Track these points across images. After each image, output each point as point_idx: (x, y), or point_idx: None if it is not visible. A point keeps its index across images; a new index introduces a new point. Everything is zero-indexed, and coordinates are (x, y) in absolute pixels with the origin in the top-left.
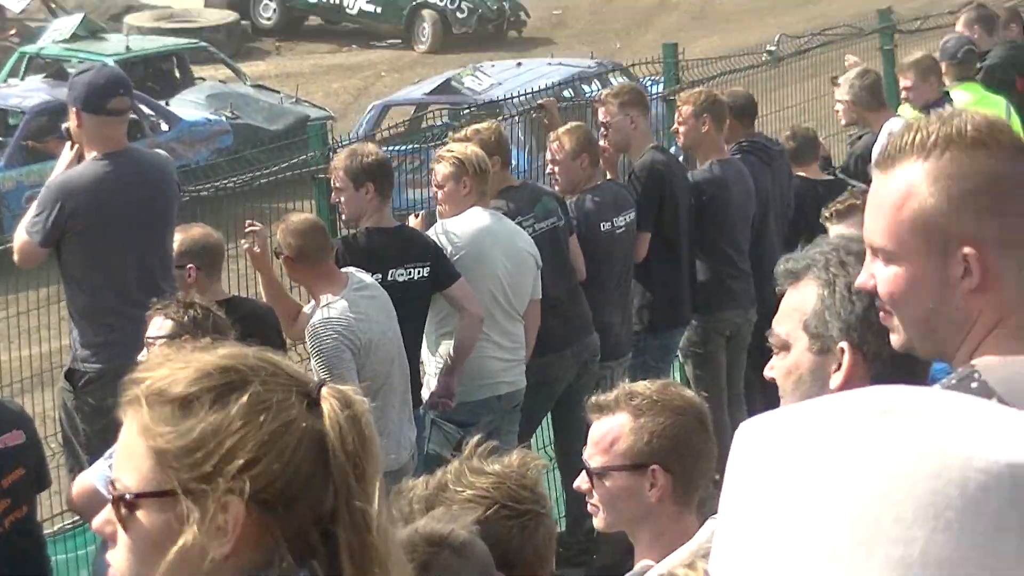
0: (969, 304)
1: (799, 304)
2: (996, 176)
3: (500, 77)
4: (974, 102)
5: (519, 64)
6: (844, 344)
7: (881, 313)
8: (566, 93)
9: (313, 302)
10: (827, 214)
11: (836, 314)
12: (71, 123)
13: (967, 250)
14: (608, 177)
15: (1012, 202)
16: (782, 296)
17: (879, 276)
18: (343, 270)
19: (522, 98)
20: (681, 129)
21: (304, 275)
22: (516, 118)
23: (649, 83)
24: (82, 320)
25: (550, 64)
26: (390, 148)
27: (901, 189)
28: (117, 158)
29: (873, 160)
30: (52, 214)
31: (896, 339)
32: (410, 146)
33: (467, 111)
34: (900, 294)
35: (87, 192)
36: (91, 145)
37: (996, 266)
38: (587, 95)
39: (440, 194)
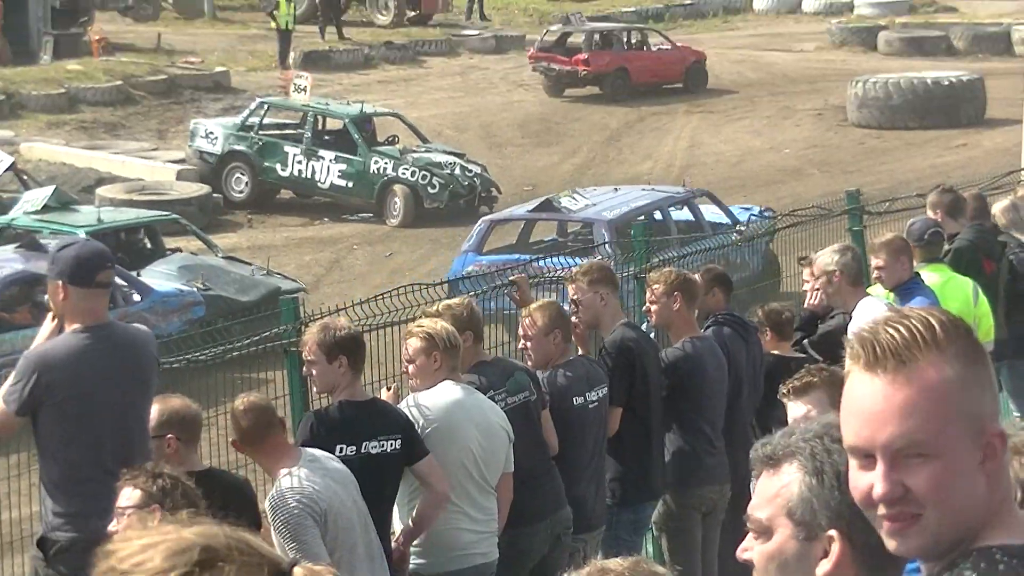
0: (989, 487)
1: (781, 490)
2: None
3: (595, 199)
4: (942, 283)
5: (616, 189)
6: (833, 532)
7: (901, 518)
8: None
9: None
10: (784, 390)
11: (825, 502)
12: (52, 296)
13: (995, 430)
14: (580, 352)
15: None
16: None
17: (917, 478)
18: (301, 447)
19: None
20: (653, 308)
21: (255, 454)
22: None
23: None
24: (56, 490)
25: (643, 189)
26: (498, 258)
27: (934, 383)
28: (98, 332)
29: (862, 360)
30: (29, 385)
31: (916, 540)
32: (516, 255)
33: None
34: (946, 490)
35: (65, 366)
36: (74, 318)
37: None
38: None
39: (411, 368)
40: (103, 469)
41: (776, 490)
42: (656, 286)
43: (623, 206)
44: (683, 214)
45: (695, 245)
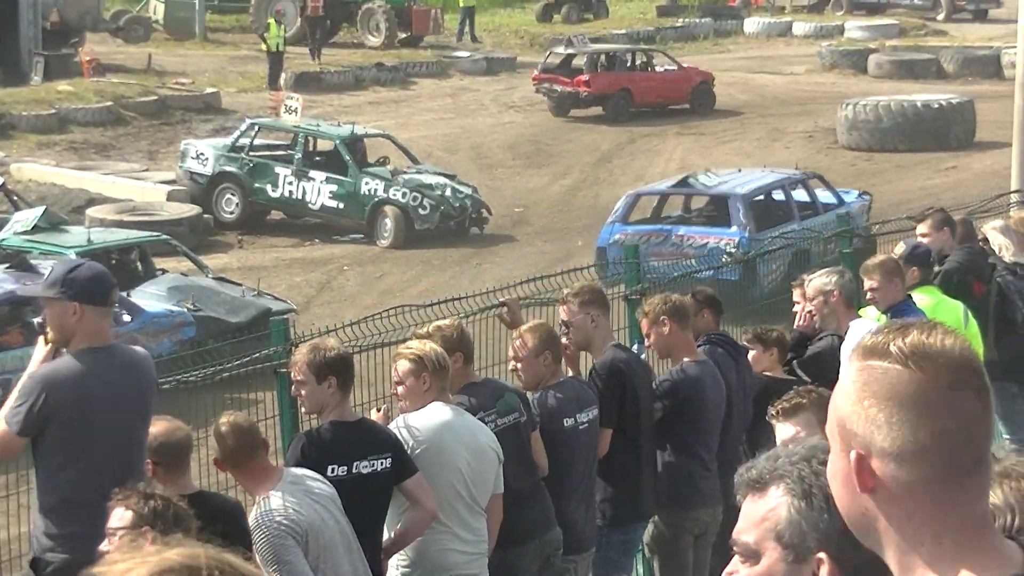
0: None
1: (769, 514)
2: None
3: (725, 178)
4: (932, 306)
5: (739, 170)
6: (823, 555)
7: None
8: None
9: None
10: (773, 412)
11: (814, 525)
12: (62, 317)
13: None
14: (570, 374)
15: None
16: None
17: None
18: (283, 468)
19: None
20: (649, 340)
21: (236, 475)
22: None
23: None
24: (52, 512)
25: (762, 170)
26: (640, 228)
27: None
28: (103, 353)
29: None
30: (35, 405)
31: None
32: (656, 226)
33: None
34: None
35: (71, 386)
36: (83, 338)
37: None
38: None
39: (400, 390)
40: (101, 492)
41: (764, 513)
42: (644, 320)
43: (753, 183)
44: (800, 195)
45: (687, 267)
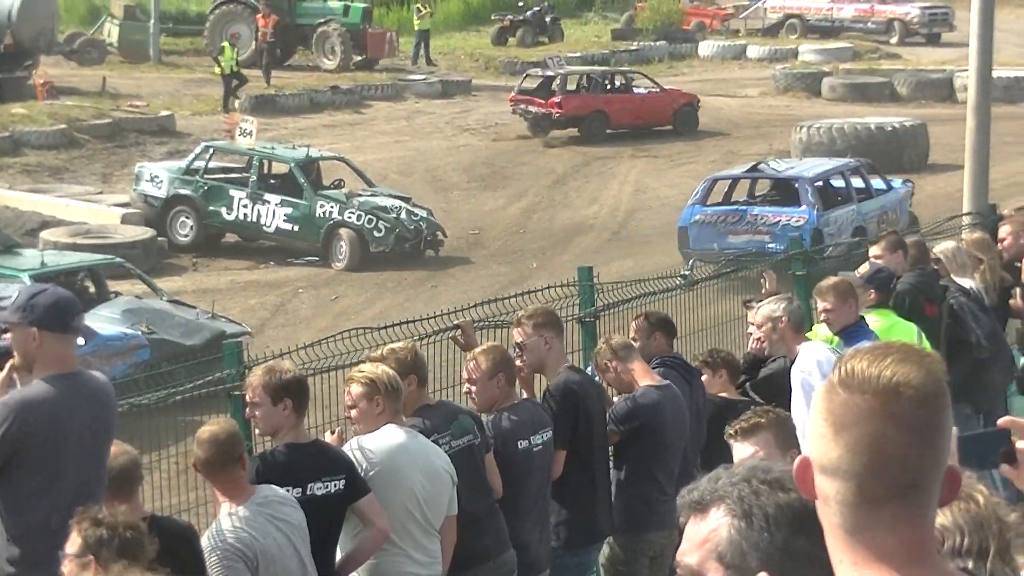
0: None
1: (710, 535)
2: None
3: (792, 164)
4: (887, 327)
5: (801, 159)
6: (764, 574)
7: None
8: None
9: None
10: (731, 431)
11: (755, 544)
12: (23, 343)
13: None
14: (524, 396)
15: None
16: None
17: None
18: (259, 485)
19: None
20: (607, 380)
21: (209, 483)
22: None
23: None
24: (17, 538)
25: (820, 159)
26: (717, 209)
27: None
28: (70, 380)
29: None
30: (6, 432)
31: None
32: (732, 207)
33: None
34: None
35: (42, 413)
36: (46, 365)
37: None
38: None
39: (354, 413)
40: (66, 519)
41: (705, 535)
42: (594, 368)
43: (816, 168)
44: (857, 182)
45: (644, 287)
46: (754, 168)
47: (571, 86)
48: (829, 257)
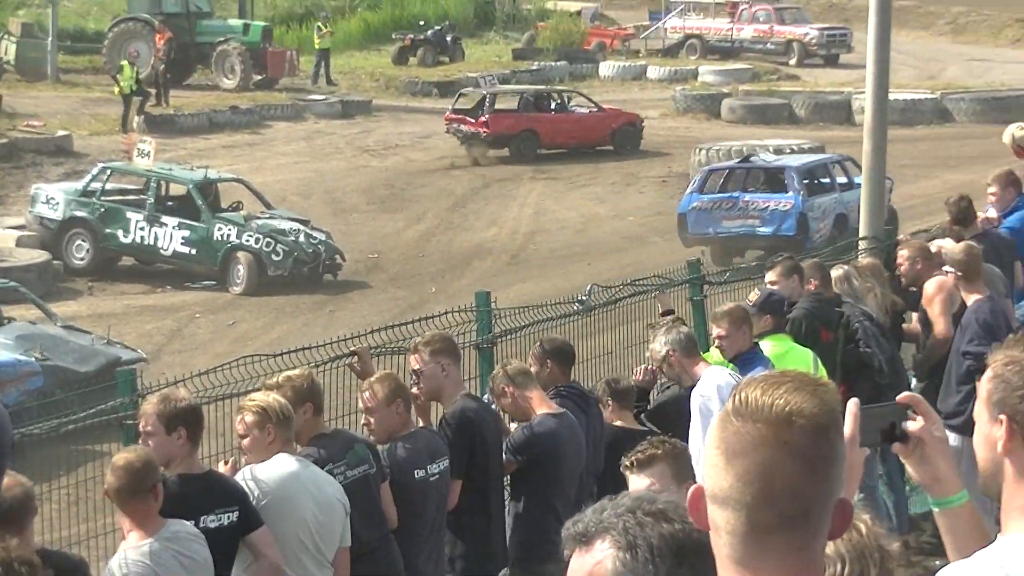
0: None
1: (595, 568)
2: None
3: (781, 157)
4: (782, 353)
5: (791, 151)
6: None
7: None
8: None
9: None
10: (627, 463)
11: None
12: None
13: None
14: (421, 424)
15: None
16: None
17: None
18: (170, 519)
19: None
20: (504, 405)
21: (122, 511)
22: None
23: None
24: None
25: (807, 154)
26: (713, 196)
27: None
28: None
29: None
30: None
31: None
32: (725, 195)
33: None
34: None
35: None
36: None
37: None
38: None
39: (245, 442)
40: None
41: (590, 568)
42: (496, 388)
43: (804, 159)
44: (840, 177)
45: (542, 312)
46: (746, 159)
47: (509, 104)
48: (729, 282)
